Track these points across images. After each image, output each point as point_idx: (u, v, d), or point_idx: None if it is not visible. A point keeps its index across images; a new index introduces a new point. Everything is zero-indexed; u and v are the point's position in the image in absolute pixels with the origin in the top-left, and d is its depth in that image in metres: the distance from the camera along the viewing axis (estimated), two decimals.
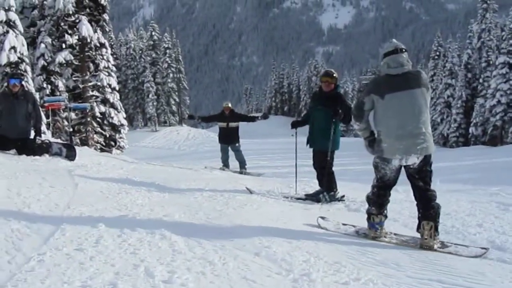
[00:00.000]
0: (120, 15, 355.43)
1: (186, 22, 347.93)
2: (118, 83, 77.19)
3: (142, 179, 8.93)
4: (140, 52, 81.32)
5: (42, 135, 11.00)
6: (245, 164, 16.00)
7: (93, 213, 5.54)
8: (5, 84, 10.52)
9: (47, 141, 10.51)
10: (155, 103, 77.55)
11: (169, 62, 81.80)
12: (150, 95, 76.50)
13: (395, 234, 6.11)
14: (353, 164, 26.38)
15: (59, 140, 10.87)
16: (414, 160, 5.55)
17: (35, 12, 31.18)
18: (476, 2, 60.49)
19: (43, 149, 10.33)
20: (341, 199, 8.66)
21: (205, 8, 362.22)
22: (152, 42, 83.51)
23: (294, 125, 9.29)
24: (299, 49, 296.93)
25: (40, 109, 10.82)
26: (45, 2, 29.88)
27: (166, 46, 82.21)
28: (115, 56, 77.50)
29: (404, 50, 5.67)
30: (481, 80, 54.17)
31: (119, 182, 8.15)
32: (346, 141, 55.45)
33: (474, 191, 11.05)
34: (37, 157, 9.96)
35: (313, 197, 8.57)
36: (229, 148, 16.06)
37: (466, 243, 5.67)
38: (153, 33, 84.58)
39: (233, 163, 16.31)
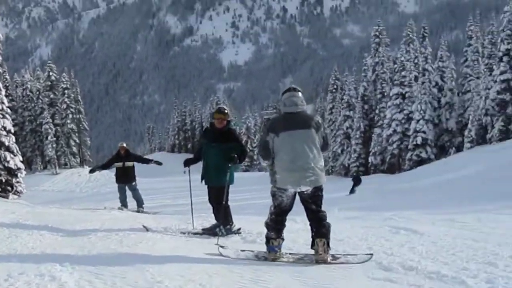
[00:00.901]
0: (15, 55, 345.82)
1: (85, 61, 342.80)
2: (15, 125, 74.89)
3: (35, 222, 8.72)
4: (38, 93, 79.16)
5: None
6: (142, 203, 16.30)
7: None
8: None
9: None
10: (54, 145, 75.54)
11: (68, 102, 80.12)
12: (49, 137, 74.52)
13: (290, 253, 6.57)
14: (256, 198, 26.64)
15: None
16: (306, 188, 6.10)
17: None
18: (370, 37, 63.15)
19: None
20: (237, 232, 8.79)
21: (105, 47, 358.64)
22: (49, 83, 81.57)
23: (187, 163, 9.35)
24: (200, 86, 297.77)
25: None
26: None
27: (65, 86, 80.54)
28: (10, 97, 75.27)
29: (298, 90, 6.34)
30: (377, 111, 56.30)
31: (10, 226, 7.90)
32: (251, 176, 56.02)
33: (369, 217, 11.46)
34: None
35: (210, 231, 8.66)
36: (126, 187, 16.21)
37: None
38: (51, 73, 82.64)
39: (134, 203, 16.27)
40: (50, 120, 75.85)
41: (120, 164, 16.01)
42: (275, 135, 6.15)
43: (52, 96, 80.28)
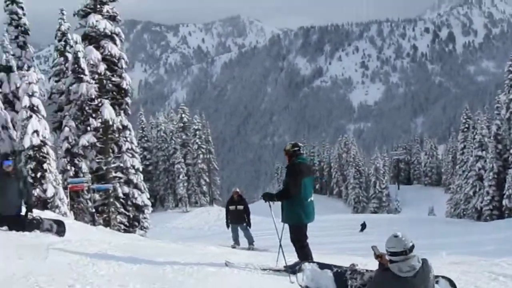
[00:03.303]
0: (153, 99, 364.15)
1: (218, 104, 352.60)
2: (149, 165, 78.24)
3: (122, 253, 8.81)
4: (171, 134, 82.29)
5: (42, 212, 11.07)
6: (252, 241, 17.31)
7: (46, 283, 5.49)
8: None
9: (38, 218, 10.54)
10: (185, 184, 77.97)
11: (199, 143, 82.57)
12: (181, 176, 77.05)
13: None
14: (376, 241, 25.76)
15: (51, 217, 10.87)
16: None
17: (62, 97, 32.16)
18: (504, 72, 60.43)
19: (34, 225, 10.37)
20: None
21: (237, 90, 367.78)
22: (182, 124, 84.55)
23: (265, 196, 9.09)
24: (330, 127, 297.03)
25: (31, 186, 11.00)
26: (70, 88, 30.77)
27: (196, 127, 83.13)
28: (146, 138, 79.04)
29: (412, 248, 5.23)
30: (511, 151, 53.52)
31: (94, 256, 8.04)
32: (379, 218, 54.74)
33: (477, 262, 10.80)
34: (26, 233, 10.00)
35: (290, 269, 8.40)
36: (238, 227, 18.09)
37: None
38: (183, 115, 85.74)
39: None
40: (182, 160, 78.48)
41: (233, 207, 17.88)
42: None
43: (184, 137, 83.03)
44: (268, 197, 8.51)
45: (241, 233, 18.14)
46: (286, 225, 8.76)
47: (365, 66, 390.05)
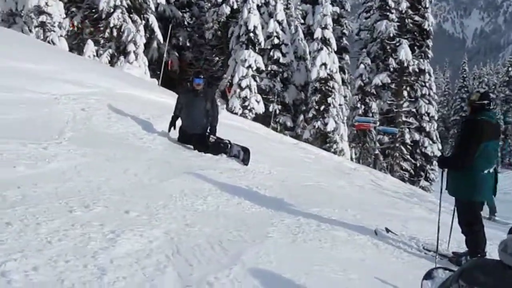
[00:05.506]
0: (486, 49, 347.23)
1: None
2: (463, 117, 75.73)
3: (284, 197, 7.69)
4: (493, 87, 78.19)
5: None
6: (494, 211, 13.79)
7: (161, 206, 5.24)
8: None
9: (227, 142, 10.19)
10: (501, 143, 73.67)
11: None
12: None
13: None
14: None
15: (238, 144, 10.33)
16: None
17: (368, 34, 31.71)
18: None
19: (221, 148, 10.09)
20: None
21: None
22: (507, 78, 79.59)
23: (439, 163, 6.95)
24: None
25: (219, 109, 10.67)
26: (374, 25, 30.09)
27: None
28: (466, 89, 76.29)
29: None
30: None
31: (241, 192, 7.18)
32: None
33: None
34: (209, 154, 9.78)
35: (456, 258, 6.41)
36: None
37: None
38: (510, 68, 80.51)
39: None
40: (502, 117, 74.13)
41: None
42: None
43: (507, 92, 78.48)
44: (442, 163, 6.60)
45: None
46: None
47: None
